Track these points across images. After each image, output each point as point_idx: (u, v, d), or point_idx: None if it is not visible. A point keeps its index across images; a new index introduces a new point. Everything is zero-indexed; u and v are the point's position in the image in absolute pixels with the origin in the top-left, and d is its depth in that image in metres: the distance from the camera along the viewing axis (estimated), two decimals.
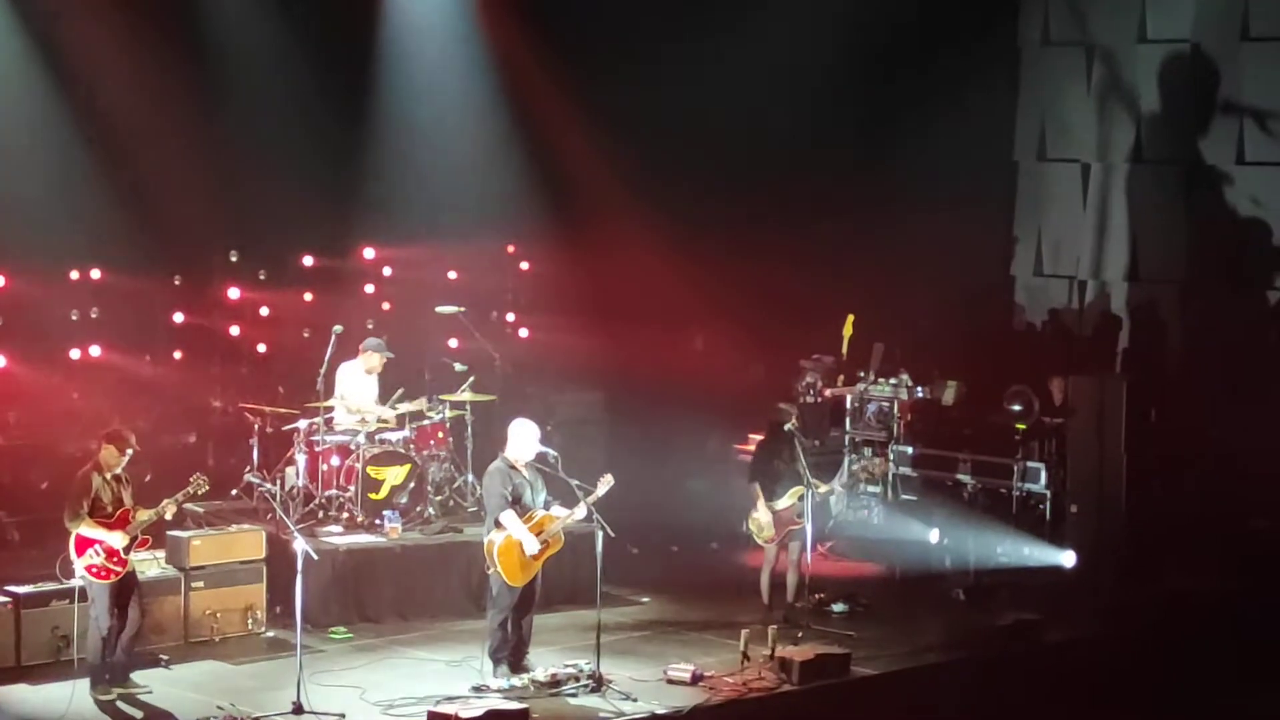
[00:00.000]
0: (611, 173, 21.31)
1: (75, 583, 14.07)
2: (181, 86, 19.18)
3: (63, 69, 18.72)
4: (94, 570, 13.66)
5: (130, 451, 13.87)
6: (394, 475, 17.20)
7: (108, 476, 13.80)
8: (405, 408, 17.59)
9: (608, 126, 21.06)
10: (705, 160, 21.57)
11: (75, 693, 13.65)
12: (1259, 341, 21.08)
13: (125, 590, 13.87)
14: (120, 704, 13.69)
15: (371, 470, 17.07)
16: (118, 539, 13.65)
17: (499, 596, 14.38)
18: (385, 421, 17.45)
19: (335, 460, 17.15)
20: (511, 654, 14.47)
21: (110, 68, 18.82)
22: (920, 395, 20.29)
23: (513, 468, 14.46)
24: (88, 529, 13.64)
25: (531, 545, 14.22)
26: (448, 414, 17.88)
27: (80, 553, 13.67)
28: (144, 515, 13.79)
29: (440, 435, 17.78)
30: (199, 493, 14.05)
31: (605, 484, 14.39)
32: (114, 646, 13.79)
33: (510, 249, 22.47)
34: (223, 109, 19.54)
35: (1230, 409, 20.59)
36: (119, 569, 13.73)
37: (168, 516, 13.98)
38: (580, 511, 14.37)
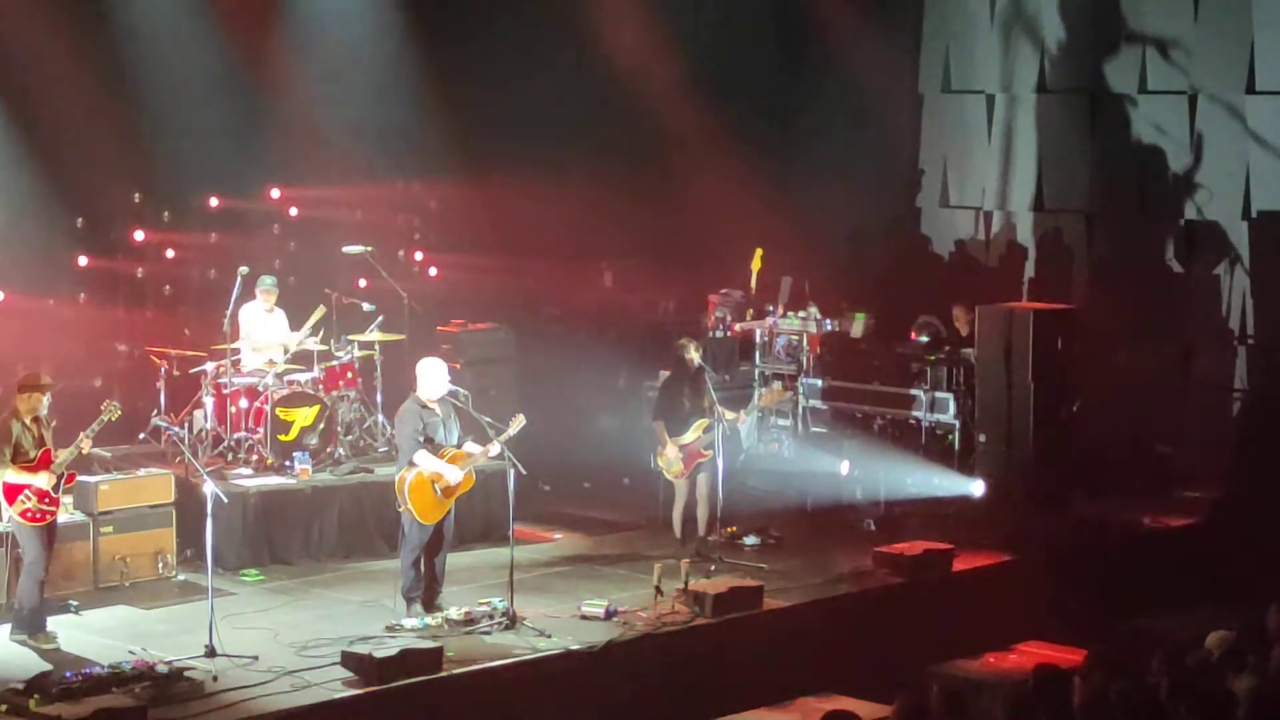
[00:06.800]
0: (516, 107, 21.21)
1: None
2: (82, 28, 18.88)
3: None
4: (28, 515, 13.61)
5: (49, 394, 13.81)
6: (303, 416, 17.10)
7: (27, 420, 13.71)
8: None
9: (509, 61, 20.96)
10: (611, 97, 21.52)
11: None
12: (1164, 269, 21.25)
13: (54, 530, 13.89)
14: (33, 650, 13.57)
15: (280, 412, 16.97)
16: (44, 480, 13.59)
17: (410, 535, 14.38)
18: (292, 364, 17.36)
19: (244, 402, 17.06)
20: (425, 593, 14.48)
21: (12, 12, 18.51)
22: (829, 328, 20.35)
23: (424, 406, 14.43)
24: (14, 475, 13.57)
25: (454, 474, 14.21)
26: (356, 354, 17.80)
27: (11, 500, 13.62)
28: (63, 454, 13.70)
29: (349, 375, 17.69)
30: (113, 419, 13.93)
31: (517, 424, 14.42)
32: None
33: (416, 186, 22.32)
34: (123, 49, 19.24)
35: (1136, 336, 20.78)
36: (53, 509, 13.73)
37: (85, 450, 13.87)
38: (493, 449, 14.38)
